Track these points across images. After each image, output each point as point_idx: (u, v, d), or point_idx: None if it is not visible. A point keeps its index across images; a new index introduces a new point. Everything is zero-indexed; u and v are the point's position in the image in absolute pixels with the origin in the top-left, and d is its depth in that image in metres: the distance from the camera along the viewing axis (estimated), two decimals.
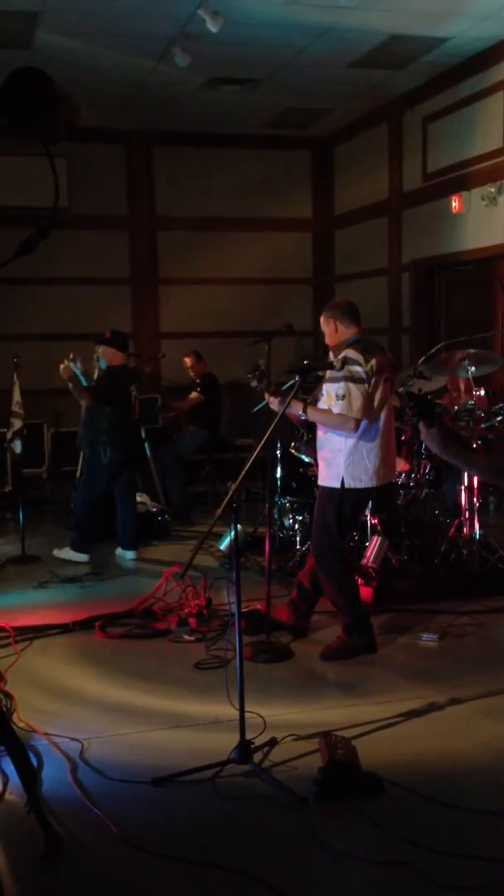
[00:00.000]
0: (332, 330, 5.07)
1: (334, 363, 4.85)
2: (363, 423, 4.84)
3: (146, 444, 8.66)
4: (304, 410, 4.88)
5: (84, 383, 7.24)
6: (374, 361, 4.85)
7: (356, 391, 4.77)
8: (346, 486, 4.92)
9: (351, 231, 10.99)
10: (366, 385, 4.80)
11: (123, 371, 7.35)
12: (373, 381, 4.83)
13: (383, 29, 7.51)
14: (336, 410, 4.84)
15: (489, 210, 8.25)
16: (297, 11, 7.02)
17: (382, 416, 4.96)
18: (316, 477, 6.57)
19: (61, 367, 7.18)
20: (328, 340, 5.13)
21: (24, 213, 8.45)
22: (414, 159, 9.47)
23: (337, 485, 4.94)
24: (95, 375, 7.57)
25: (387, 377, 4.96)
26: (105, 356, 7.31)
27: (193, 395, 9.23)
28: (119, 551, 7.32)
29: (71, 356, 7.22)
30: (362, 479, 4.93)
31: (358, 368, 4.79)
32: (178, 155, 10.81)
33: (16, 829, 3.27)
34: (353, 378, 4.77)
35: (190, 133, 10.62)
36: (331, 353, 5.11)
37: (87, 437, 7.23)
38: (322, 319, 5.11)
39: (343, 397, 4.78)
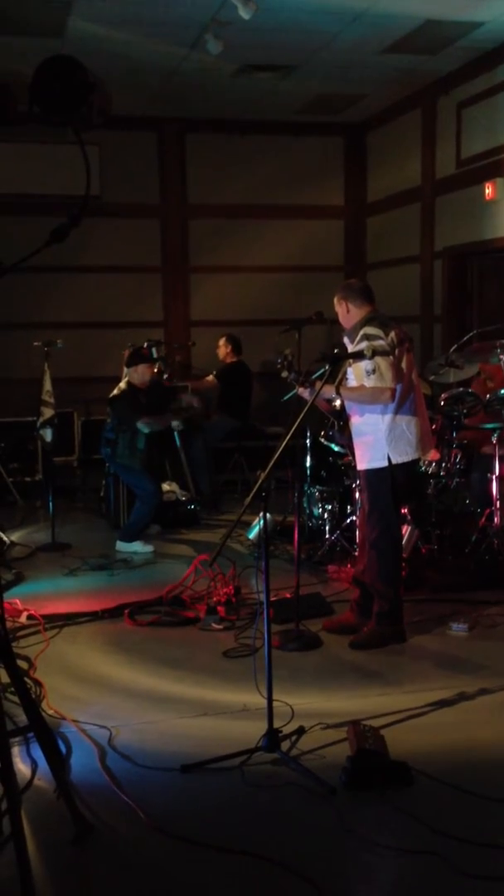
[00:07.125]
0: (343, 311, 5.11)
1: (351, 347, 4.87)
2: (397, 396, 4.87)
3: (175, 434, 8.67)
4: (338, 391, 4.88)
5: None
6: (393, 333, 4.91)
7: (384, 363, 4.83)
8: (394, 462, 4.96)
9: (383, 218, 10.91)
10: (391, 356, 4.85)
11: None
12: (396, 351, 4.89)
13: (417, 13, 7.43)
14: (369, 384, 4.86)
15: None
16: None
17: (413, 387, 5.01)
18: (346, 466, 6.58)
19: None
20: (342, 321, 5.17)
21: (56, 201, 8.50)
22: (448, 145, 9.37)
23: (384, 464, 4.97)
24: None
25: (408, 347, 5.02)
26: None
27: (210, 377, 9.23)
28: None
29: None
30: (408, 451, 4.99)
31: (381, 342, 4.83)
32: (211, 142, 10.77)
33: (45, 814, 3.29)
34: (378, 351, 4.79)
35: (222, 120, 10.57)
36: (345, 337, 5.12)
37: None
38: (335, 301, 5.14)
39: (374, 371, 4.83)
